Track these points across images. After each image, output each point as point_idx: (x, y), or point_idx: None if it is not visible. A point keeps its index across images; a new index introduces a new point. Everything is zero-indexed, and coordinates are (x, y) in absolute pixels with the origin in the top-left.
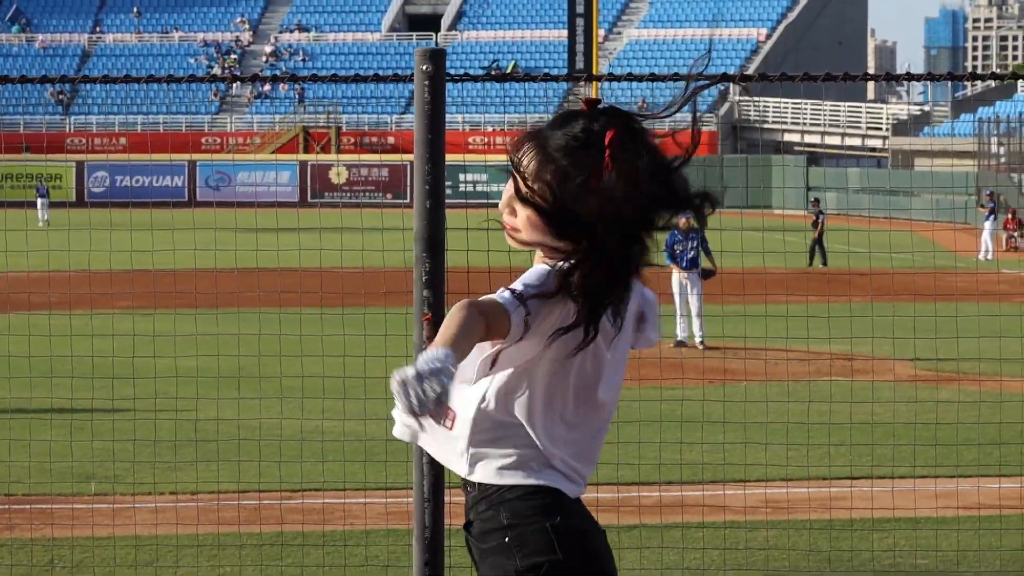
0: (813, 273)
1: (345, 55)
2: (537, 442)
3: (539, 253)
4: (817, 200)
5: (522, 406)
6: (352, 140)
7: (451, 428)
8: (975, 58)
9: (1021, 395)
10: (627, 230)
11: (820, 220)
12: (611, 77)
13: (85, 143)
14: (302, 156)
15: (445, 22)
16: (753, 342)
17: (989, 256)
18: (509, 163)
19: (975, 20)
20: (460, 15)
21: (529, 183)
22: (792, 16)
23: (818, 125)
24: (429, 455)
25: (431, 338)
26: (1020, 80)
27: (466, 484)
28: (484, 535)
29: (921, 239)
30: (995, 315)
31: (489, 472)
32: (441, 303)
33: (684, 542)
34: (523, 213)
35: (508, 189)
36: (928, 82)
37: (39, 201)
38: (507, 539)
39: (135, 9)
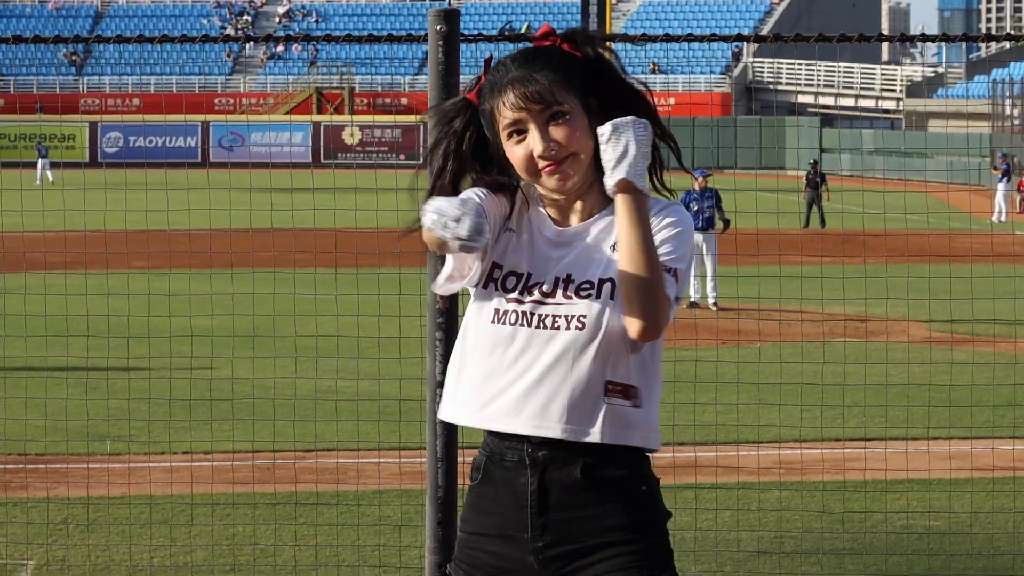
0: (827, 234)
1: (358, 16)
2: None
3: (553, 211)
4: (815, 161)
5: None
6: (365, 101)
7: (638, 406)
8: (989, 20)
9: None
10: None
11: (824, 182)
12: (625, 38)
13: (99, 104)
14: (315, 117)
15: None
16: (767, 303)
17: (1003, 218)
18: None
19: None
20: None
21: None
22: None
23: (832, 87)
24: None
25: (444, 298)
26: None
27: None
28: (622, 480)
29: (935, 201)
30: (1009, 276)
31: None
32: None
33: (697, 503)
34: (566, 130)
35: (530, 141)
36: (942, 43)
37: (40, 162)
38: (645, 488)
39: None
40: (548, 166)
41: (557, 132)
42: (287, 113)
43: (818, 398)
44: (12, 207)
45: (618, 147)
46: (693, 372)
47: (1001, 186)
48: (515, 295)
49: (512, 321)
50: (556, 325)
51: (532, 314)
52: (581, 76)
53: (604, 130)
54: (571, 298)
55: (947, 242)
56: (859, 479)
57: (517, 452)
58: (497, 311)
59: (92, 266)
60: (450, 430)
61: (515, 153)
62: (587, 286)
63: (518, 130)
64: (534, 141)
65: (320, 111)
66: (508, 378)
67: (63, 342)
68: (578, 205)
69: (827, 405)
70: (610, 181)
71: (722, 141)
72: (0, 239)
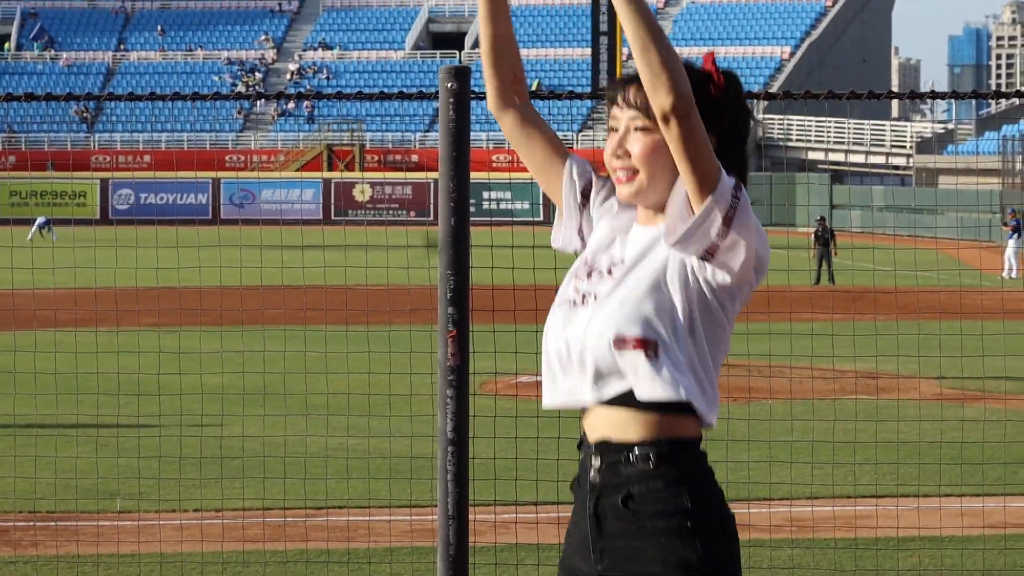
0: (838, 291)
1: (369, 73)
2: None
3: (640, 212)
4: (823, 218)
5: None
6: (376, 158)
7: (656, 356)
8: (999, 76)
9: None
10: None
11: (833, 238)
12: None
13: (110, 161)
14: (326, 174)
15: (468, 40)
16: (778, 360)
17: (1013, 274)
18: (614, 99)
19: (999, 38)
20: None
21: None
22: (816, 34)
23: (842, 143)
24: (454, 471)
25: (455, 355)
26: None
27: (626, 452)
28: (657, 516)
29: (946, 257)
30: (1020, 334)
31: (680, 426)
32: (466, 320)
33: None
34: (641, 144)
35: (611, 140)
36: (952, 100)
37: (38, 220)
38: (690, 524)
39: (159, 27)
40: (616, 169)
41: (633, 144)
42: (298, 170)
43: (829, 455)
44: (23, 264)
45: None
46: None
47: (1012, 243)
48: None
49: (561, 302)
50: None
51: None
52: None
53: None
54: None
55: (958, 299)
56: (871, 536)
57: (588, 474)
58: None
59: (102, 323)
60: (462, 487)
61: (606, 148)
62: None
63: (613, 127)
64: (615, 139)
65: (331, 168)
66: None
67: (73, 400)
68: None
69: (838, 462)
70: None
71: None
72: (11, 296)
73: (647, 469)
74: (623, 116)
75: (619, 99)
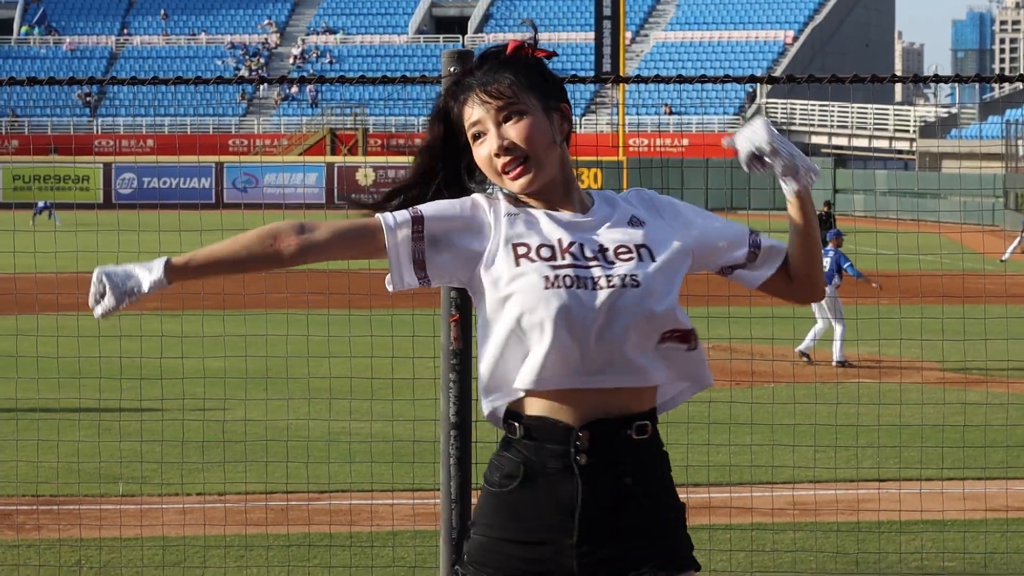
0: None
1: (372, 57)
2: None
3: (543, 202)
4: (829, 202)
5: None
6: (379, 142)
7: (695, 347)
8: (1002, 60)
9: None
10: None
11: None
12: (639, 79)
13: (113, 145)
14: (329, 158)
15: (472, 24)
16: (781, 344)
17: (1004, 257)
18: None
19: (1002, 22)
20: (487, 17)
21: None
22: (819, 18)
23: (845, 127)
24: (457, 455)
25: (458, 338)
26: None
27: (636, 428)
28: (661, 493)
29: (949, 241)
30: (1023, 317)
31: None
32: (468, 305)
33: (711, 544)
34: (521, 128)
35: (485, 144)
36: (955, 84)
37: (39, 204)
38: (668, 482)
39: (162, 11)
40: (504, 165)
41: (512, 131)
42: (301, 154)
43: (832, 439)
44: (25, 248)
45: (781, 158)
46: (707, 413)
47: None
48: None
49: (567, 284)
50: (611, 284)
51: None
52: (543, 80)
53: (761, 145)
54: (614, 262)
55: (960, 283)
56: (873, 520)
57: (562, 459)
58: (547, 278)
59: None
60: (464, 471)
61: (479, 155)
62: (624, 250)
63: (480, 131)
64: (490, 139)
65: (334, 152)
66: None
67: (76, 384)
68: (573, 197)
69: (841, 446)
70: (789, 189)
71: (735, 182)
72: (13, 280)
73: (644, 439)
74: (487, 112)
75: (477, 96)
